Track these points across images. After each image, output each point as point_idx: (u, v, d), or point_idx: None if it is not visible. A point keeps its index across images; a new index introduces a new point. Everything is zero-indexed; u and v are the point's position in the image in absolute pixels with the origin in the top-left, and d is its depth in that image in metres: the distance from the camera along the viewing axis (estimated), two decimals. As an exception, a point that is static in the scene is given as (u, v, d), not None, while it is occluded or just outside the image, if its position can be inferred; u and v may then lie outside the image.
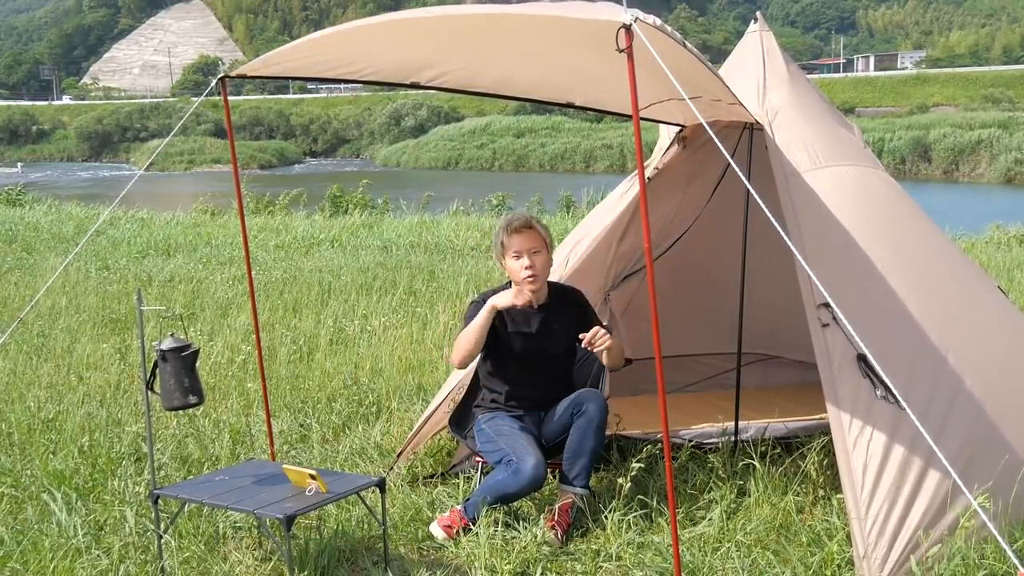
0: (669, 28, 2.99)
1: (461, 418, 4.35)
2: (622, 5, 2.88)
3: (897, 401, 3.55)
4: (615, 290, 4.93)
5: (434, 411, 4.69)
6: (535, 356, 4.14)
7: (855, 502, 3.49)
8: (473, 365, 4.30)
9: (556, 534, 3.87)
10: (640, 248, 5.03)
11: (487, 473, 4.25)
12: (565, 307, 4.20)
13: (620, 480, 4.03)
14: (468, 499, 4.04)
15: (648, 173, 4.88)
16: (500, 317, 4.11)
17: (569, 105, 4.54)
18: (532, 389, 4.19)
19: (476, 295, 4.25)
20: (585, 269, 4.81)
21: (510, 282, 4.20)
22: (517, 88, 4.37)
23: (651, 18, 2.87)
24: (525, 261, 4.03)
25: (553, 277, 4.39)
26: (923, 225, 4.35)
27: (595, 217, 5.17)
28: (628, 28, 2.77)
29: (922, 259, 4.15)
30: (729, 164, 4.94)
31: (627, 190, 4.98)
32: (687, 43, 3.12)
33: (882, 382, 3.58)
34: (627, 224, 4.89)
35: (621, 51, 2.79)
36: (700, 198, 5.30)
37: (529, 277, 4.03)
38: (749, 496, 4.10)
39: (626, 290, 5.28)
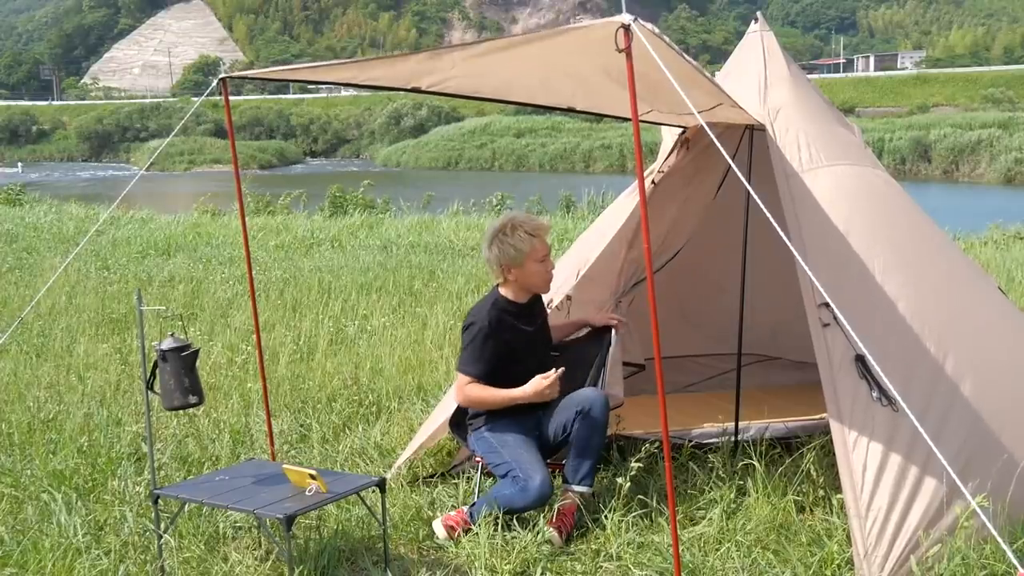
0: (667, 39, 3.01)
1: (461, 419, 4.35)
2: (622, 8, 2.90)
3: (891, 404, 3.56)
4: (625, 296, 4.93)
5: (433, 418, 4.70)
6: (530, 351, 4.15)
7: (855, 502, 3.49)
8: None
9: (559, 534, 3.87)
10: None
11: (487, 473, 4.26)
12: (541, 303, 4.29)
13: (620, 480, 4.03)
14: (474, 504, 4.05)
15: (652, 177, 4.88)
16: (503, 325, 4.07)
17: (570, 110, 4.55)
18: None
19: (469, 318, 4.11)
20: (596, 276, 4.80)
21: (496, 286, 4.17)
22: (518, 94, 4.38)
23: (650, 25, 2.90)
24: (550, 264, 4.10)
25: (566, 286, 4.45)
26: (923, 225, 4.35)
27: (602, 224, 5.15)
28: (627, 28, 2.78)
29: (922, 259, 4.15)
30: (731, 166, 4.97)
31: (632, 195, 4.97)
32: (685, 55, 3.14)
33: (878, 384, 3.59)
34: (635, 230, 4.87)
35: (620, 51, 2.80)
36: (703, 202, 5.29)
37: (551, 279, 4.13)
38: (749, 496, 4.10)
39: (632, 293, 5.27)
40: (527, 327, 4.11)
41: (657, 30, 2.95)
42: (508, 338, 4.06)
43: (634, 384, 5.11)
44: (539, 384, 3.93)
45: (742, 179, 3.20)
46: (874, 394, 3.61)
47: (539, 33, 3.20)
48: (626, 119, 4.44)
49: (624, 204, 5.03)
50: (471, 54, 3.43)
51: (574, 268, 4.88)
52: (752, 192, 3.12)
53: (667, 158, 4.88)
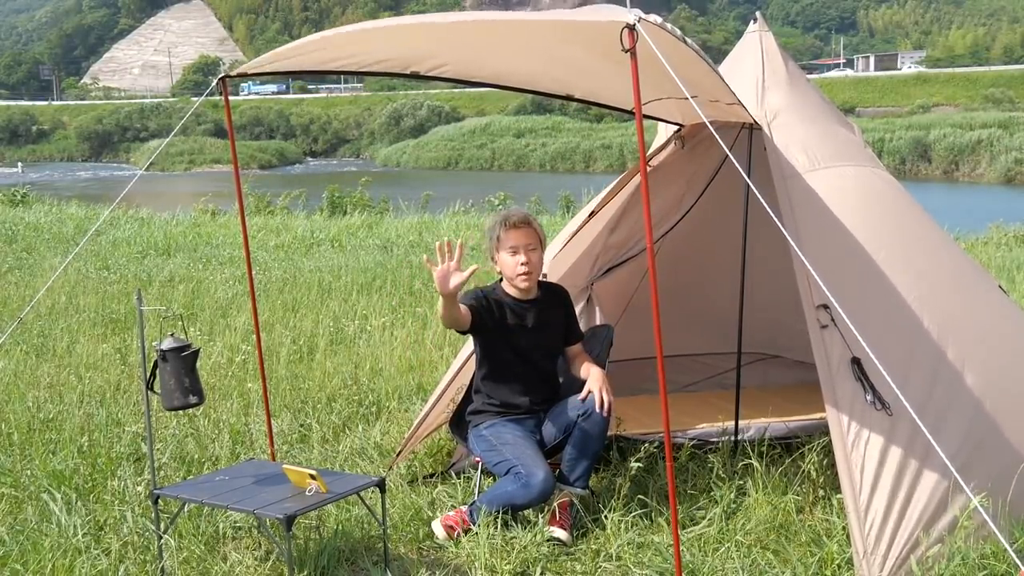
0: (670, 26, 2.99)
1: (461, 420, 4.35)
2: (625, 5, 2.88)
3: (884, 408, 3.56)
4: (599, 280, 4.95)
5: (430, 409, 4.69)
6: (532, 351, 4.14)
7: (854, 501, 3.49)
8: (470, 361, 4.31)
9: (566, 531, 3.87)
10: (629, 239, 5.02)
11: (487, 473, 4.25)
12: (555, 305, 4.24)
13: (620, 480, 4.02)
14: (473, 503, 4.04)
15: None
16: (501, 313, 4.11)
17: (568, 98, 4.55)
18: (528, 389, 4.18)
19: (473, 287, 4.24)
20: (573, 260, 4.81)
21: (501, 279, 4.18)
22: (516, 80, 4.37)
23: (653, 16, 2.88)
24: (521, 257, 4.05)
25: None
26: (924, 224, 4.35)
27: (584, 214, 5.16)
28: (632, 28, 2.77)
29: (922, 259, 4.15)
30: (725, 162, 4.96)
31: (620, 185, 4.96)
32: (688, 39, 3.12)
33: (872, 388, 3.59)
34: (619, 217, 4.89)
35: (626, 51, 2.79)
36: (695, 196, 5.30)
37: (524, 274, 4.06)
38: (749, 496, 4.10)
39: (619, 286, 5.26)
40: (518, 321, 4.11)
41: (660, 20, 2.92)
42: (497, 320, 4.08)
43: (634, 384, 5.12)
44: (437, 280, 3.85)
45: (741, 172, 3.20)
46: (868, 398, 3.60)
47: (545, 17, 3.17)
48: (625, 111, 4.46)
49: (609, 194, 5.02)
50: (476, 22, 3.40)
51: (550, 254, 4.91)
52: (752, 186, 3.11)
53: (659, 154, 4.87)
